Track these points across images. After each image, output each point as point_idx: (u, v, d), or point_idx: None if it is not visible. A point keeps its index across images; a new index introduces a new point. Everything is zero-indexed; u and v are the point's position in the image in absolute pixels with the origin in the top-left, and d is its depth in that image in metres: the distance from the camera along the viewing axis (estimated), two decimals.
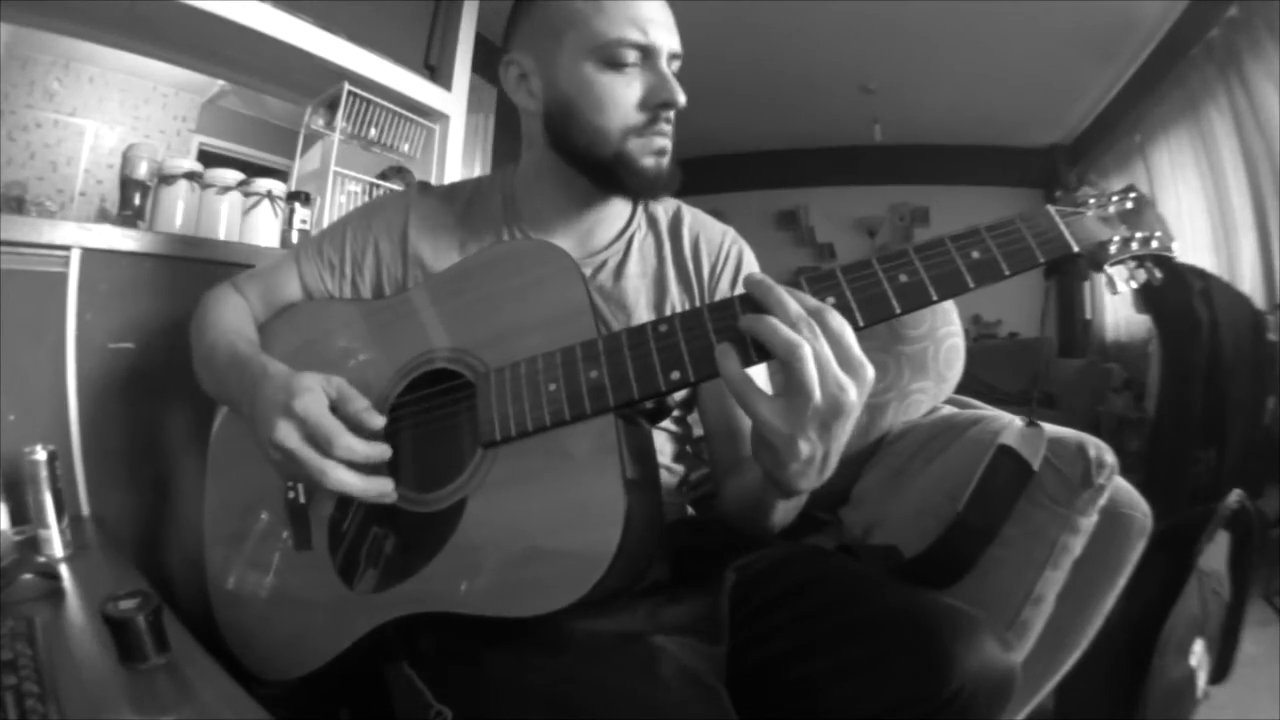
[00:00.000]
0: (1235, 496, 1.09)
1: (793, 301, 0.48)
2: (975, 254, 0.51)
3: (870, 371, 0.48)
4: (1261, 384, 2.01)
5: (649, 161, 0.68)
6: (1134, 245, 0.54)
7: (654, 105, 0.66)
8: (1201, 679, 1.05)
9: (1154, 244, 0.54)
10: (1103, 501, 0.68)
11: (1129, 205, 0.55)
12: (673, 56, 0.68)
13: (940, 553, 0.70)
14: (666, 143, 0.68)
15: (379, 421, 0.59)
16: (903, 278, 0.51)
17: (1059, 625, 0.71)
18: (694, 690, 0.52)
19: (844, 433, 0.49)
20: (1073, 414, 3.09)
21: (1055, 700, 0.82)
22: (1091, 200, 0.55)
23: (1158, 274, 0.55)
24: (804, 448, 0.49)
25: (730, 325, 0.51)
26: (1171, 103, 3.20)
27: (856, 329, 0.49)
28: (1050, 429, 0.72)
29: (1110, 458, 0.68)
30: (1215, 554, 1.07)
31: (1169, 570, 0.98)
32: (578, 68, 0.66)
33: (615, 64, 0.65)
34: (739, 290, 0.77)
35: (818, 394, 0.46)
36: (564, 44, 0.67)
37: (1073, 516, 0.68)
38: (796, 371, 0.46)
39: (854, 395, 0.47)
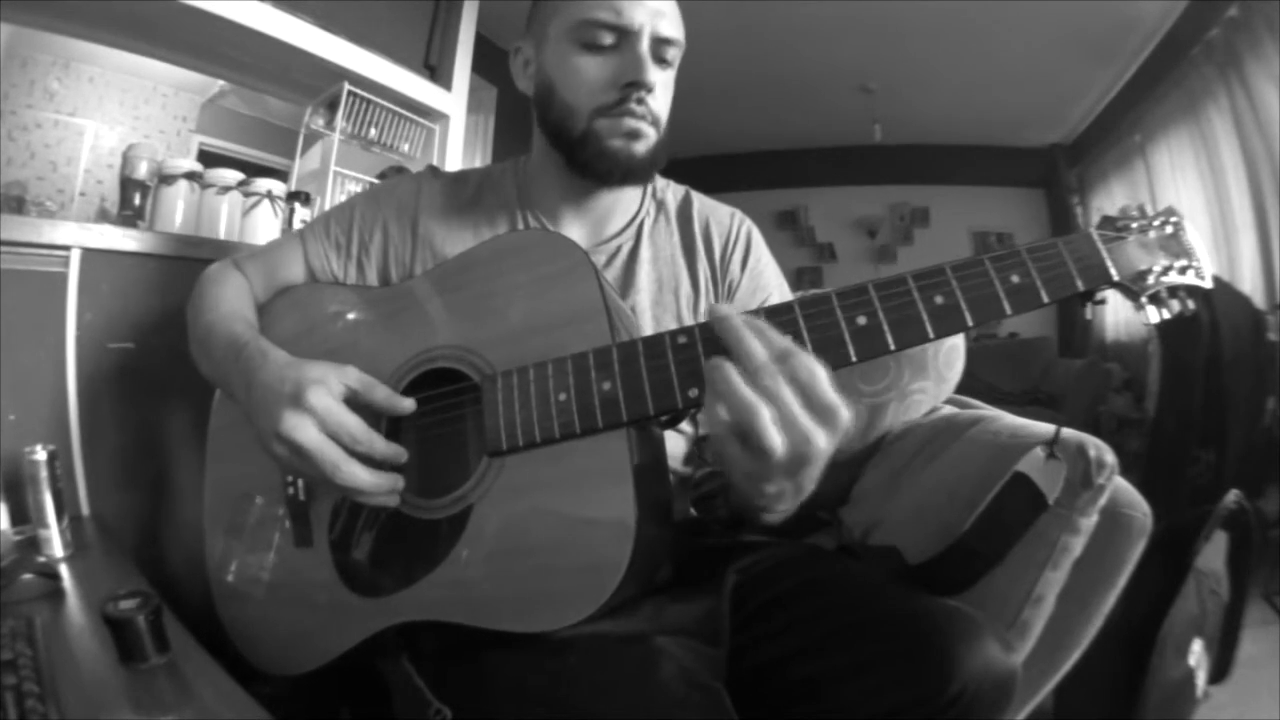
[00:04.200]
0: (1233, 496, 1.09)
1: (759, 348, 0.45)
2: (1015, 278, 0.48)
3: (844, 413, 0.44)
4: (1261, 384, 2.01)
5: (617, 143, 0.67)
6: (1172, 275, 0.51)
7: (622, 84, 0.66)
8: (1201, 679, 1.05)
9: (1190, 274, 0.51)
10: (1103, 502, 0.68)
11: (1169, 230, 0.52)
12: (661, 41, 0.67)
13: (943, 568, 0.69)
14: (638, 125, 0.67)
15: (408, 405, 0.58)
16: (939, 299, 0.48)
17: (1059, 625, 0.71)
18: (694, 691, 0.52)
19: (814, 473, 0.47)
20: (1073, 414, 3.09)
21: (1055, 700, 0.82)
22: (1134, 225, 0.52)
23: (1191, 305, 0.52)
24: (770, 489, 0.48)
25: None
26: (1171, 103, 3.20)
27: (886, 351, 0.48)
28: (1067, 435, 0.72)
29: (1110, 458, 0.68)
30: (1213, 554, 1.07)
31: (1166, 571, 0.98)
32: (560, 47, 0.68)
33: (591, 45, 0.66)
34: (749, 272, 0.79)
35: (779, 450, 0.43)
36: (551, 26, 0.69)
37: (1073, 517, 0.68)
38: (755, 431, 0.43)
39: (822, 443, 0.44)
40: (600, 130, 0.67)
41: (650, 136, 0.68)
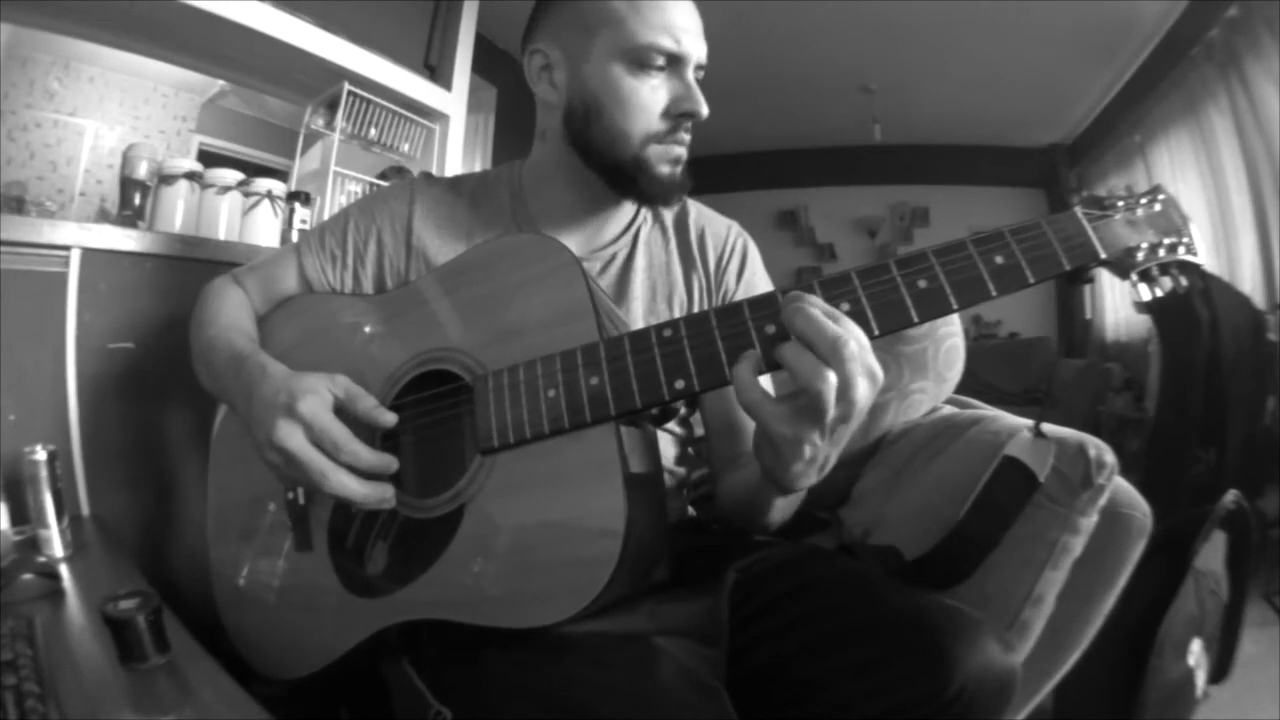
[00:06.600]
0: (1231, 497, 1.09)
1: (829, 326, 0.45)
2: (999, 259, 0.48)
3: (881, 375, 0.47)
4: (1261, 384, 2.01)
5: (665, 170, 0.68)
6: (1161, 252, 0.50)
7: (676, 114, 0.67)
8: (1200, 679, 1.05)
9: (1181, 250, 0.51)
10: (1103, 501, 0.68)
11: (1157, 208, 0.51)
12: (698, 66, 0.69)
13: (940, 558, 0.69)
14: (683, 152, 0.69)
15: (390, 419, 0.59)
16: (922, 283, 0.48)
17: (1059, 625, 0.71)
18: (694, 691, 0.52)
19: (848, 435, 0.49)
20: (1073, 414, 3.09)
21: (1055, 700, 0.82)
22: (1120, 203, 0.52)
23: (1183, 281, 0.51)
24: (808, 450, 0.48)
25: (739, 331, 0.50)
26: (1171, 103, 3.20)
27: (872, 338, 0.48)
28: (1051, 429, 0.72)
29: (1110, 458, 0.68)
30: (1212, 554, 1.07)
31: (1165, 571, 0.98)
32: (607, 67, 0.67)
33: (644, 67, 0.66)
34: (744, 285, 0.79)
35: (832, 411, 0.45)
36: (595, 41, 0.67)
37: (1073, 516, 0.68)
38: (818, 395, 0.45)
39: (865, 404, 0.46)
40: (651, 157, 0.68)
41: (685, 159, 0.70)
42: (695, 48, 0.67)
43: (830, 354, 0.44)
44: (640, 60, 0.66)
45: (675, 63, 0.67)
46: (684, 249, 0.79)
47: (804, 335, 0.45)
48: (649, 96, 0.66)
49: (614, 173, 0.69)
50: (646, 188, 0.69)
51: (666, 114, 0.67)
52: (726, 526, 0.76)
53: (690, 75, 0.68)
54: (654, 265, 0.78)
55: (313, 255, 0.77)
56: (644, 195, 0.70)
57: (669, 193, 0.70)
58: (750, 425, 0.72)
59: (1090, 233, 0.50)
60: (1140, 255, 0.50)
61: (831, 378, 0.44)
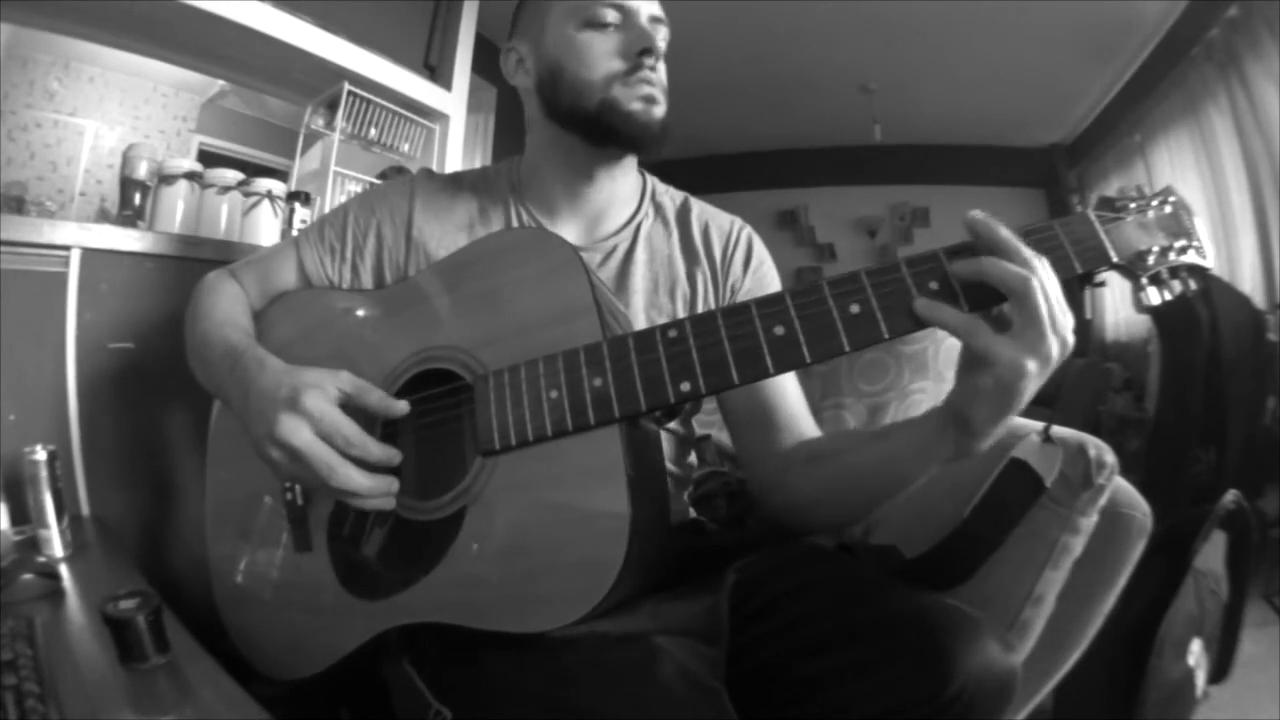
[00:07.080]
0: (1231, 497, 1.09)
1: (1018, 242, 0.47)
2: None
3: (1071, 339, 0.48)
4: (1261, 384, 2.01)
5: (636, 106, 0.69)
6: (1172, 255, 0.50)
7: (634, 53, 0.69)
8: (1200, 678, 1.05)
9: (1191, 254, 0.50)
10: (1103, 501, 0.68)
11: (1168, 210, 0.51)
12: (654, 20, 0.71)
13: (942, 558, 0.69)
14: (653, 91, 0.70)
15: (402, 407, 0.59)
16: (933, 285, 0.48)
17: (1059, 625, 0.71)
18: (693, 691, 0.52)
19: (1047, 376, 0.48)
20: (1073, 414, 3.08)
21: (1055, 700, 0.82)
22: (1132, 205, 0.51)
23: (1193, 285, 0.51)
24: (1031, 387, 0.47)
25: (746, 332, 0.49)
26: (1171, 103, 3.19)
27: (880, 339, 0.47)
28: (1056, 432, 0.72)
29: (1110, 458, 0.68)
30: (1212, 554, 1.07)
31: (1165, 571, 0.98)
32: (562, 31, 0.70)
33: (596, 24, 0.69)
34: (753, 276, 0.79)
35: (1049, 329, 0.45)
36: (550, 16, 0.72)
37: (1073, 516, 0.68)
38: (1031, 304, 0.45)
39: (1071, 334, 0.47)
40: (619, 97, 0.69)
41: (663, 104, 0.71)
42: (642, 4, 0.70)
43: (1026, 261, 0.46)
44: (590, 19, 0.69)
45: (626, 15, 0.70)
46: (686, 243, 0.79)
47: (998, 246, 0.47)
48: (604, 45, 0.69)
49: (589, 124, 0.70)
50: (622, 127, 0.69)
51: (624, 55, 0.69)
52: (727, 525, 0.76)
53: (643, 21, 0.70)
54: (655, 258, 0.77)
55: (311, 248, 0.77)
56: (623, 138, 0.70)
57: (647, 131, 0.70)
58: (782, 414, 0.72)
59: (1102, 235, 0.49)
60: (1151, 259, 0.50)
61: (1037, 283, 0.45)
